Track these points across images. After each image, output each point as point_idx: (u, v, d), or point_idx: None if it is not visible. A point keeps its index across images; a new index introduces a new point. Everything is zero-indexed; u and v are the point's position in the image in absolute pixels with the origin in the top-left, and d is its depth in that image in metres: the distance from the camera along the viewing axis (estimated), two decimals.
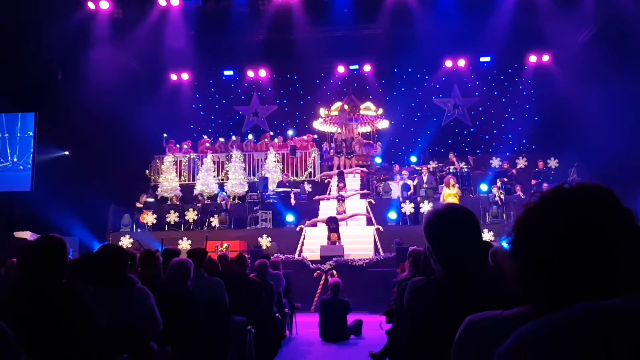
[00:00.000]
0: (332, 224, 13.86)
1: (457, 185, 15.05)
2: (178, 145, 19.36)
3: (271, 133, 20.55)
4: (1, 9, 14.16)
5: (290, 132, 20.39)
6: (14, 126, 16.55)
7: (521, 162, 18.35)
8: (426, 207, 14.97)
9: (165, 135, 19.61)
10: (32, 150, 16.20)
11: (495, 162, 18.22)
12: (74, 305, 3.02)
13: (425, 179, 16.26)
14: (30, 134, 16.30)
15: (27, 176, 16.08)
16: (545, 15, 17.32)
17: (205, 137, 20.19)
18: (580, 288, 0.90)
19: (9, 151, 16.43)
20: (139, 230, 15.84)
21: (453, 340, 1.27)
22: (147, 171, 19.05)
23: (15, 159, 16.33)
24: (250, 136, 20.36)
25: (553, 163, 17.70)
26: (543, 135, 19.25)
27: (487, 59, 20.65)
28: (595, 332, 0.65)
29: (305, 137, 19.63)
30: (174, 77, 21.44)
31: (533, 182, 16.33)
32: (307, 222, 15.04)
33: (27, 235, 11.70)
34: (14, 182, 16.15)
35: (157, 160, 18.85)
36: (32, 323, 2.83)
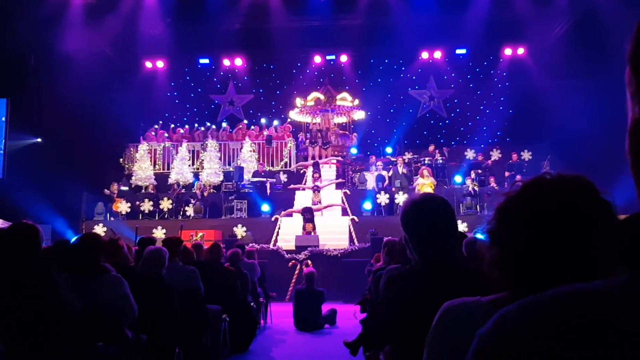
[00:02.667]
0: (308, 214, 13.88)
1: (432, 176, 15.19)
2: (154, 133, 19.14)
3: (245, 122, 20.43)
4: None
5: (263, 120, 20.28)
6: None
7: (495, 154, 18.54)
8: (401, 197, 15.06)
9: (156, 126, 19.33)
10: (3, 137, 15.87)
11: (470, 154, 18.40)
12: (48, 292, 2.99)
13: (400, 169, 16.35)
14: (2, 119, 15.96)
15: None
16: (520, 9, 17.51)
17: (186, 127, 19.94)
18: (559, 274, 0.92)
19: None
20: (112, 218, 15.66)
21: (429, 328, 1.29)
22: (121, 159, 18.81)
23: None
24: (224, 124, 20.21)
25: (526, 155, 17.93)
26: (517, 128, 19.47)
27: (463, 51, 20.81)
28: (577, 310, 0.67)
29: (288, 126, 19.56)
30: (148, 64, 21.16)
31: (507, 174, 16.52)
32: (283, 212, 15.03)
33: None
34: None
35: (132, 149, 18.62)
36: (6, 311, 2.80)
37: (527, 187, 1.03)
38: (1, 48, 14.54)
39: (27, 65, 16.24)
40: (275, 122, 20.25)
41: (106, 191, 16.31)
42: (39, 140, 16.86)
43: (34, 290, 2.94)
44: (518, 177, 15.16)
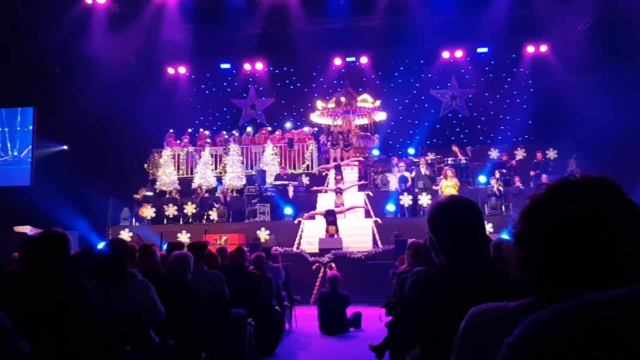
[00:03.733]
0: (330, 217, 13.87)
1: (455, 176, 15.07)
2: (179, 141, 19.34)
3: (269, 128, 20.50)
4: (0, 7, 14.11)
5: (288, 125, 20.34)
6: (13, 120, 16.52)
7: (520, 153, 18.33)
8: (424, 199, 14.98)
9: (171, 130, 19.53)
10: (31, 145, 16.16)
11: (494, 154, 18.21)
12: (76, 298, 3.04)
13: (423, 170, 16.26)
14: (30, 128, 16.26)
15: (27, 170, 16.05)
16: (543, 5, 17.30)
17: (207, 132, 20.10)
18: (585, 279, 0.91)
19: (9, 145, 16.40)
20: (138, 223, 15.84)
21: (455, 332, 1.28)
22: (146, 165, 19.03)
23: (15, 153, 16.30)
24: (249, 129, 20.33)
25: (552, 154, 17.69)
26: (541, 126, 19.22)
27: (485, 49, 20.62)
28: (606, 318, 0.66)
29: (306, 129, 19.61)
30: (171, 70, 21.38)
31: (532, 173, 16.34)
32: (305, 214, 15.05)
33: (27, 229, 11.69)
34: (13, 176, 16.13)
35: (156, 154, 18.83)
36: (35, 316, 2.84)
37: (552, 190, 1.02)
38: (28, 58, 14.82)
39: (53, 74, 16.52)
40: (288, 125, 20.30)
41: (136, 196, 16.53)
42: (65, 147, 17.15)
43: (63, 296, 2.99)
44: (544, 176, 15.01)
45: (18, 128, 16.48)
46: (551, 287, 0.94)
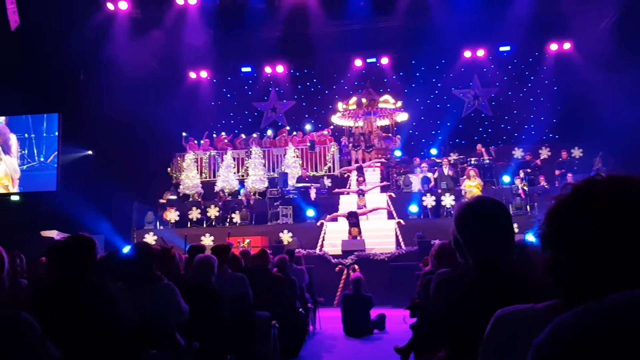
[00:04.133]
0: (353, 219, 13.85)
1: (478, 176, 14.95)
2: (196, 142, 19.51)
3: (288, 128, 20.58)
4: (25, 15, 14.35)
5: (308, 127, 20.38)
6: (39, 127, 16.79)
7: (544, 152, 18.11)
8: (447, 199, 14.88)
9: (184, 134, 19.71)
10: (57, 151, 16.42)
11: (518, 153, 18.01)
12: (103, 301, 3.07)
13: (445, 171, 16.16)
14: (56, 134, 16.52)
15: (53, 176, 16.30)
16: (565, 2, 17.07)
17: (224, 134, 20.25)
18: (612, 280, 0.89)
19: (35, 151, 16.67)
20: (162, 227, 16.00)
21: (481, 334, 1.27)
22: (169, 169, 19.22)
23: (41, 159, 16.58)
24: (269, 132, 20.42)
25: (577, 153, 17.45)
26: (566, 125, 18.96)
27: (507, 48, 20.44)
28: (635, 320, 0.65)
29: (325, 132, 19.64)
30: (192, 75, 21.59)
31: (557, 172, 16.14)
32: (328, 216, 15.05)
33: (53, 234, 11.86)
34: (40, 182, 16.39)
35: (179, 158, 19.01)
36: (62, 320, 2.88)
37: (578, 190, 1.00)
38: (53, 64, 15.06)
39: (77, 81, 16.77)
40: (308, 127, 20.33)
41: (161, 200, 16.70)
42: (90, 152, 17.38)
43: (91, 300, 3.03)
44: (569, 175, 14.81)
45: (44, 134, 16.74)
46: (578, 289, 0.93)
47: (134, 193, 16.19)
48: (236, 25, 17.84)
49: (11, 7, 14.12)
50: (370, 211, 15.08)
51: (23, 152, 16.72)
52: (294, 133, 19.88)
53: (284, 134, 19.90)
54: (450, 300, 1.93)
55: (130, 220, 16.17)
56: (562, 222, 0.99)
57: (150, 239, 14.70)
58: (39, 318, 2.29)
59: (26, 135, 16.81)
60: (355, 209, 14.60)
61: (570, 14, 17.41)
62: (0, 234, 12.31)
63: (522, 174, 15.45)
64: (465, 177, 15.11)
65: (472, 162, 16.56)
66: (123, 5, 16.79)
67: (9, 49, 14.71)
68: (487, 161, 16.83)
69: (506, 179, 16.13)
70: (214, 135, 20.36)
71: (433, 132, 20.13)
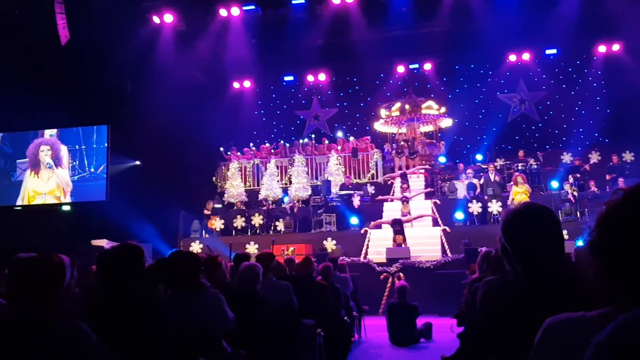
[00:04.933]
0: (397, 226, 13.75)
1: (526, 182, 14.64)
2: (239, 153, 19.74)
3: (341, 134, 20.63)
4: (73, 30, 14.86)
5: (339, 134, 20.41)
6: (90, 138, 17.34)
7: (594, 157, 17.61)
8: (494, 206, 14.62)
9: (222, 149, 19.98)
10: (106, 162, 16.91)
11: (567, 158, 17.57)
12: (152, 309, 3.13)
13: (492, 177, 15.88)
14: (105, 145, 17.02)
15: (103, 186, 16.78)
16: (614, 3, 16.60)
17: (267, 143, 20.45)
18: None
19: (86, 162, 17.22)
20: (207, 235, 16.24)
21: (530, 343, 1.24)
22: (214, 178, 19.51)
23: (92, 170, 17.11)
24: (306, 140, 20.50)
25: (628, 156, 16.92)
26: (616, 128, 18.40)
27: (554, 51, 20.01)
28: None
29: (368, 138, 19.61)
30: (236, 85, 21.88)
31: (608, 177, 15.67)
32: (372, 224, 14.98)
33: (103, 243, 12.15)
34: (90, 192, 16.91)
35: (223, 167, 19.29)
36: (113, 328, 2.95)
37: (629, 196, 0.97)
38: (101, 78, 15.52)
39: (125, 93, 17.23)
40: (339, 133, 20.36)
41: (205, 211, 16.96)
42: (138, 162, 17.81)
43: (140, 307, 3.09)
44: (620, 180, 14.38)
45: (94, 145, 17.28)
46: (631, 297, 0.90)
47: (181, 202, 16.50)
48: (278, 35, 18.01)
49: (61, 22, 14.65)
50: (415, 218, 14.93)
51: (74, 163, 17.29)
52: (339, 135, 19.91)
53: (327, 141, 19.96)
54: (498, 309, 1.90)
55: (176, 228, 16.47)
56: (614, 228, 0.96)
57: (196, 247, 14.93)
58: (91, 327, 2.34)
59: (77, 146, 17.39)
60: (400, 216, 14.49)
61: (619, 14, 16.90)
62: (52, 244, 12.68)
63: (571, 179, 15.07)
64: (512, 183, 14.82)
65: (520, 168, 16.24)
66: (168, 18, 17.17)
67: (60, 63, 15.24)
68: (535, 166, 16.47)
69: (554, 184, 15.75)
70: (257, 141, 20.56)
71: (478, 138, 19.84)
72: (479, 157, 18.39)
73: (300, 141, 20.25)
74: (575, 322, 1.15)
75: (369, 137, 19.74)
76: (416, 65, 21.09)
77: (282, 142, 20.26)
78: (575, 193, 14.48)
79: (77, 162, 17.30)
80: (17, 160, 17.60)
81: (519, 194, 14.06)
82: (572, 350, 1.01)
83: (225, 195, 18.08)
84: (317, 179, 18.54)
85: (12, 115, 16.33)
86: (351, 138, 19.80)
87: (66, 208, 17.04)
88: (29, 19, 15.02)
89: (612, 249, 0.95)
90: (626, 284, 0.93)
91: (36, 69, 15.34)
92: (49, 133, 17.56)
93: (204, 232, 16.48)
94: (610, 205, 0.99)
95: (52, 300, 2.29)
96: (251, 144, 20.20)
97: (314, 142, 20.00)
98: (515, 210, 1.94)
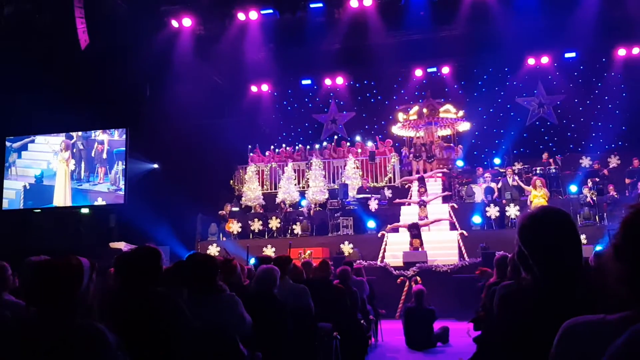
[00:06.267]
0: (414, 230, 13.70)
1: (545, 186, 14.51)
2: (265, 153, 19.83)
3: (359, 137, 20.62)
4: (93, 34, 15.04)
5: (357, 138, 20.39)
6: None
7: (613, 161, 17.40)
8: (512, 210, 14.51)
9: (257, 144, 20.10)
10: (124, 165, 17.05)
11: (585, 162, 17.37)
12: (170, 311, 3.15)
13: (510, 181, 15.77)
14: (123, 148, 17.17)
15: (121, 189, 16.93)
16: (634, 5, 16.41)
17: (285, 146, 20.52)
18: None
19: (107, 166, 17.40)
20: (225, 238, 16.30)
21: (547, 347, 1.24)
22: (232, 181, 19.59)
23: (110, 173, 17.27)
24: (325, 143, 20.53)
25: None
26: (636, 132, 18.19)
27: (572, 54, 19.84)
28: None
29: (390, 141, 19.58)
30: (254, 88, 21.96)
31: (627, 181, 15.48)
32: (389, 227, 14.94)
33: (121, 245, 12.27)
34: (109, 195, 17.06)
35: (241, 170, 19.37)
36: (130, 330, 2.97)
37: None
38: (120, 81, 15.68)
39: (144, 96, 17.39)
40: (358, 138, 20.33)
41: (221, 212, 17.05)
42: (156, 166, 17.95)
43: (158, 310, 3.11)
44: None
45: (114, 150, 17.45)
46: None
47: (198, 205, 16.59)
48: (296, 39, 18.06)
49: (81, 27, 14.82)
50: (432, 222, 14.85)
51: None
52: (358, 139, 19.91)
53: (347, 144, 19.99)
54: (515, 312, 1.89)
55: (194, 231, 16.56)
56: (636, 232, 0.95)
57: (213, 250, 15.00)
58: (109, 328, 2.37)
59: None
60: (417, 219, 14.43)
61: (639, 17, 16.71)
62: (71, 246, 12.84)
63: (590, 183, 14.91)
64: (531, 186, 14.70)
65: (538, 172, 16.11)
66: (187, 22, 17.29)
67: (80, 67, 15.42)
68: (553, 170, 16.32)
69: (573, 188, 15.60)
70: (275, 145, 20.63)
71: (496, 142, 19.71)
72: (496, 160, 18.27)
73: (317, 146, 20.26)
74: (595, 324, 1.14)
75: (390, 141, 19.70)
76: (434, 69, 21.04)
77: (300, 145, 20.30)
78: (594, 197, 14.34)
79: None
80: None
81: (538, 197, 13.94)
82: (591, 352, 1.01)
83: (243, 198, 18.14)
84: (334, 182, 18.54)
85: (28, 119, 16.56)
86: (369, 143, 19.77)
87: (85, 211, 17.22)
88: (49, 24, 15.23)
89: (636, 253, 0.95)
90: None
91: (55, 72, 15.52)
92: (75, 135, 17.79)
93: (221, 235, 16.55)
94: (635, 209, 0.99)
95: (70, 302, 2.32)
96: (272, 147, 20.30)
97: (334, 144, 20.03)
98: (531, 213, 1.93)
